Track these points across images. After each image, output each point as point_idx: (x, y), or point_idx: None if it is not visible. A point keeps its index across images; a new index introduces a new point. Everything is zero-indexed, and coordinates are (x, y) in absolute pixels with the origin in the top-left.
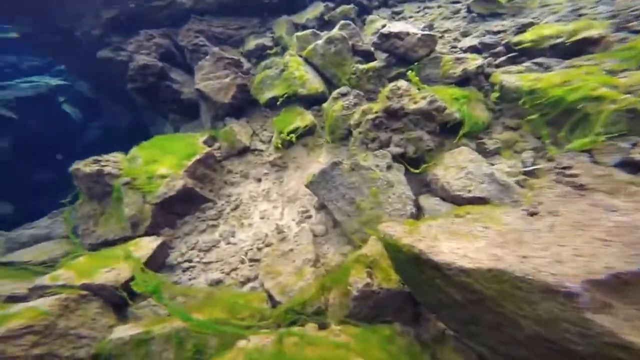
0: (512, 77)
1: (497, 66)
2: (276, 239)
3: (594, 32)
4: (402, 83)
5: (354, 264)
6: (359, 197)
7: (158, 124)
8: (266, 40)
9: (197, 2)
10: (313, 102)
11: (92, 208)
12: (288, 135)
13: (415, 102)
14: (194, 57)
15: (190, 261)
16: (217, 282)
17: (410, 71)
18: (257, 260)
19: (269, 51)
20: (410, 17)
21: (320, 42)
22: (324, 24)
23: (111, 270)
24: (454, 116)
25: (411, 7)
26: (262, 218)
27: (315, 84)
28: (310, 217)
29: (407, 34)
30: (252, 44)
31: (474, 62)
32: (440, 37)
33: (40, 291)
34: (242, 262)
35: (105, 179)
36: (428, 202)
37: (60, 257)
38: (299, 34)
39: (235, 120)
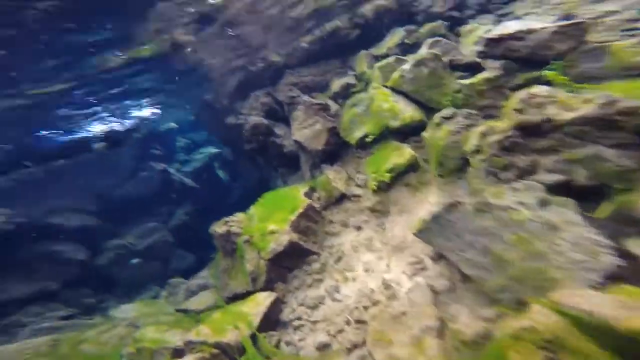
0: None
1: None
2: (384, 296)
3: None
4: (538, 89)
5: (515, 342)
6: (498, 245)
7: (273, 179)
8: (349, 79)
9: (289, 57)
10: (410, 133)
11: (226, 263)
12: (384, 175)
13: (573, 109)
14: (291, 109)
15: (299, 319)
16: (325, 346)
17: (548, 71)
18: (364, 322)
19: (353, 89)
20: (526, 14)
21: (407, 66)
22: (408, 47)
23: (234, 329)
24: None
25: (524, 5)
26: (366, 270)
27: (408, 112)
28: (424, 269)
29: (529, 31)
30: (336, 85)
31: None
32: (596, 24)
33: (190, 345)
34: (348, 323)
35: (232, 237)
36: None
37: (212, 306)
38: (379, 63)
39: (330, 166)
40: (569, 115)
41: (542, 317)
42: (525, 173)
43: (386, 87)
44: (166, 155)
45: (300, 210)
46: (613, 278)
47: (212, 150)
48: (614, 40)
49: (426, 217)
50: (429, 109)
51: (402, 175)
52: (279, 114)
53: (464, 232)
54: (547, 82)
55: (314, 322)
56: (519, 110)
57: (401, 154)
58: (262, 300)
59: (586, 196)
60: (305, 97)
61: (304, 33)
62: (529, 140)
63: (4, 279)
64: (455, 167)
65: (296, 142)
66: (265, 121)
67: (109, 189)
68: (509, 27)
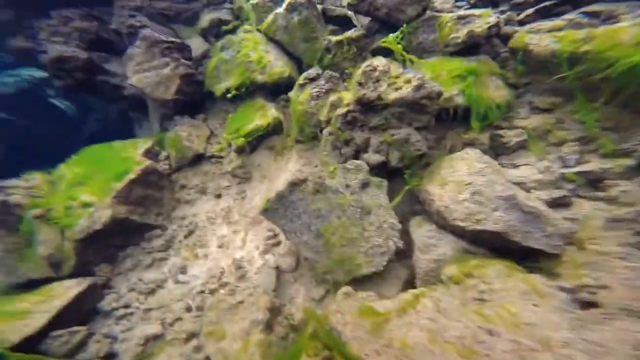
0: (544, 38)
1: (522, 23)
2: (234, 277)
3: None
4: (378, 62)
5: (309, 342)
6: (327, 228)
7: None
8: (223, 14)
9: None
10: (279, 90)
11: (12, 241)
12: (243, 137)
13: (398, 88)
14: (133, 43)
15: (127, 306)
16: (155, 338)
17: (392, 39)
18: (204, 309)
19: (225, 27)
20: None
21: (280, 10)
22: None
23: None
24: (454, 102)
25: None
26: (220, 246)
27: (278, 67)
28: (278, 244)
29: None
30: (206, 20)
31: (484, 20)
32: None
33: None
34: (189, 309)
35: (13, 210)
36: (420, 231)
37: None
38: (255, 1)
39: (188, 118)
40: (393, 96)
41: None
42: (361, 149)
43: (259, 31)
44: None
45: (133, 176)
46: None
47: (35, 73)
48: (448, 10)
49: (271, 196)
50: (303, 65)
51: (265, 138)
52: (117, 46)
53: (303, 214)
54: (389, 51)
55: (147, 310)
56: (361, 84)
57: (264, 114)
58: (63, 292)
59: (398, 177)
60: (147, 31)
61: None
62: (366, 116)
63: None
64: (313, 135)
65: (133, 86)
66: (83, 54)
67: None
68: None
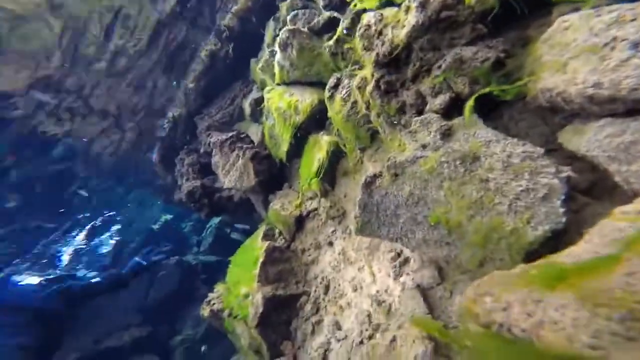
0: None
1: None
2: (381, 316)
3: None
4: (367, 18)
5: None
6: (435, 209)
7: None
8: (255, 94)
9: (186, 104)
10: (322, 119)
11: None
12: (315, 180)
13: (403, 24)
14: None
15: None
16: None
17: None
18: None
19: (263, 103)
20: None
21: (277, 57)
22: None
23: None
24: None
25: None
26: (354, 290)
27: (307, 100)
28: (406, 261)
29: None
30: (247, 107)
31: None
32: None
33: None
34: None
35: (220, 315)
36: (590, 138)
37: None
38: (258, 66)
39: (278, 192)
40: (404, 32)
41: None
42: (419, 106)
43: (279, 84)
44: (177, 246)
45: (261, 259)
46: (575, 198)
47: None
48: None
49: (356, 211)
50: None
51: (333, 168)
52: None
53: (399, 208)
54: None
55: None
56: (367, 49)
57: (320, 147)
58: None
59: (481, 107)
60: (213, 139)
61: (185, 76)
62: (398, 72)
63: None
64: (370, 133)
65: (231, 189)
66: (197, 182)
67: (141, 300)
68: None
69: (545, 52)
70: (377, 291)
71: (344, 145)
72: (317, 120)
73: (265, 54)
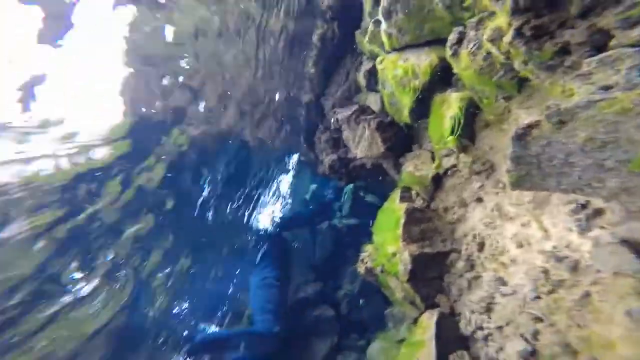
0: None
1: None
2: (565, 272)
3: None
4: None
5: None
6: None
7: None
8: (366, 65)
9: (311, 89)
10: (446, 76)
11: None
12: (451, 139)
13: None
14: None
15: (481, 328)
16: (532, 354)
17: None
18: (553, 314)
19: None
20: None
21: (382, 26)
22: None
23: None
24: None
25: None
26: (520, 246)
27: (424, 61)
28: (600, 212)
29: None
30: (361, 79)
31: None
32: None
33: None
34: (538, 319)
35: (373, 272)
36: None
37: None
38: (363, 38)
39: (408, 154)
40: None
41: None
42: (593, 44)
43: (391, 51)
44: (326, 213)
45: (402, 220)
46: None
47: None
48: None
49: (508, 164)
50: (444, 40)
51: (471, 121)
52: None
53: (567, 157)
54: None
55: (499, 328)
56: None
57: (449, 104)
58: (428, 323)
59: None
60: (339, 116)
61: (302, 63)
62: (553, 13)
63: (309, 345)
64: (515, 80)
65: (363, 159)
66: (335, 156)
67: (309, 260)
68: None
69: None
70: (555, 247)
71: (480, 100)
72: (440, 79)
73: (369, 24)
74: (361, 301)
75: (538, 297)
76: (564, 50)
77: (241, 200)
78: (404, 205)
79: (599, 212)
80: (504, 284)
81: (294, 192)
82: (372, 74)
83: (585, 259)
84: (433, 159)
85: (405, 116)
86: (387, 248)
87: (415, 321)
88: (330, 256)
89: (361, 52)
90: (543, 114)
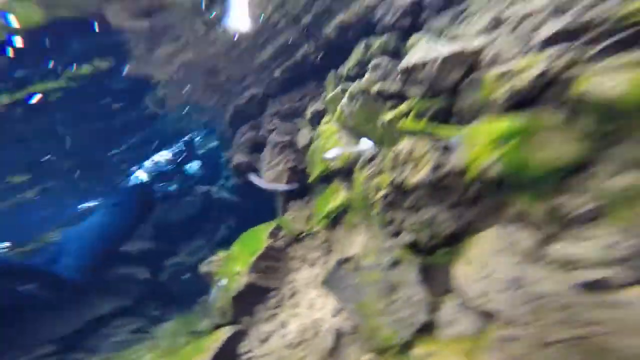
0: (610, 80)
1: (590, 62)
2: (310, 334)
3: None
4: (403, 145)
5: None
6: (364, 301)
7: None
8: (319, 105)
9: (268, 87)
10: (349, 172)
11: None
12: (323, 219)
13: (419, 171)
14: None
15: (250, 352)
16: None
17: (409, 122)
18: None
19: (322, 117)
20: (475, 13)
21: (344, 100)
22: (365, 64)
23: None
24: (492, 172)
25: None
26: (309, 307)
27: (347, 151)
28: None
29: (424, 64)
30: (309, 112)
31: (529, 72)
32: (513, 30)
33: None
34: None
35: (211, 276)
36: (447, 308)
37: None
38: (329, 96)
39: (297, 202)
40: (414, 179)
41: None
42: (402, 229)
43: (336, 123)
44: (211, 175)
45: (260, 252)
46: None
47: None
48: (503, 62)
49: (329, 269)
50: (376, 140)
51: (343, 215)
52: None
53: (349, 287)
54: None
55: (262, 356)
56: (392, 168)
57: (337, 196)
58: (219, 335)
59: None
60: (272, 136)
61: (277, 65)
62: (401, 198)
63: (94, 300)
64: (371, 215)
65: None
66: (245, 159)
67: (159, 217)
68: (418, 53)
69: (472, 244)
70: (319, 318)
71: (355, 206)
72: (347, 171)
73: (340, 81)
74: (187, 275)
75: (290, 345)
76: (392, 222)
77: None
78: (269, 241)
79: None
80: (285, 327)
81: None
82: (318, 115)
83: (320, 334)
84: (309, 218)
85: (313, 176)
86: (235, 266)
87: (216, 327)
88: (187, 221)
89: (325, 88)
90: (356, 257)
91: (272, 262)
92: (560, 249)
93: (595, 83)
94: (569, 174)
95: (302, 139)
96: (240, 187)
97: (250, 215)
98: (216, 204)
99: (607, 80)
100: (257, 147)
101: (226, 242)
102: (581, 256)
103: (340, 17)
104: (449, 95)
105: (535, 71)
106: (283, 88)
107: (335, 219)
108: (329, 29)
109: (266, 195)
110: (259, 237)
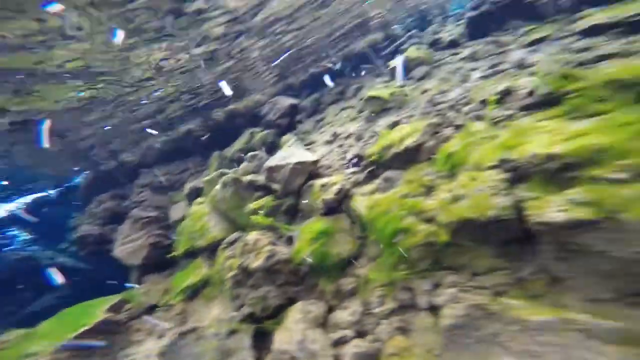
0: (363, 201)
1: (362, 184)
2: None
3: (409, 141)
4: (251, 237)
5: None
6: None
7: None
8: (198, 182)
9: (143, 156)
10: (214, 251)
11: None
12: (179, 293)
13: (258, 259)
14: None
15: None
16: None
17: (259, 213)
18: None
19: (201, 193)
20: (330, 123)
21: (218, 186)
22: (248, 151)
23: None
24: (307, 261)
25: (334, 109)
26: None
27: (215, 232)
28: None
29: (280, 167)
30: (187, 187)
31: (333, 187)
32: (340, 146)
33: None
34: None
35: None
36: None
37: None
38: (206, 178)
39: (155, 275)
40: (254, 265)
41: None
42: (243, 304)
43: (208, 204)
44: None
45: (87, 327)
46: None
47: None
48: (329, 172)
49: (167, 342)
50: (241, 227)
51: (201, 290)
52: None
53: (189, 356)
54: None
55: None
56: (242, 254)
57: (199, 272)
58: None
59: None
60: (135, 211)
61: (158, 135)
62: (247, 278)
63: None
64: (224, 289)
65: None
66: (96, 230)
67: None
68: (276, 157)
69: (289, 316)
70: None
71: (214, 282)
72: (212, 250)
73: (217, 172)
74: None
75: None
76: (241, 307)
77: None
78: (106, 315)
79: None
80: None
81: None
82: (196, 192)
83: None
84: (166, 291)
85: (178, 251)
86: (32, 346)
87: None
88: None
89: (208, 167)
90: (198, 329)
91: (108, 335)
92: (334, 316)
93: (357, 201)
94: (348, 263)
95: (175, 213)
96: (88, 254)
97: (95, 286)
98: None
99: (361, 200)
100: (115, 218)
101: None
102: (340, 320)
103: (232, 106)
104: (296, 196)
105: (338, 186)
106: (163, 158)
107: (195, 292)
108: (220, 114)
109: (117, 265)
110: (93, 312)
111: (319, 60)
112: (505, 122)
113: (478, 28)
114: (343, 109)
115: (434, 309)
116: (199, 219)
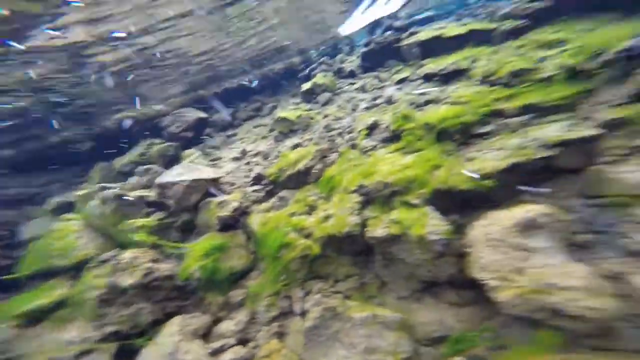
0: (257, 218)
1: (261, 202)
2: None
3: (302, 164)
4: (127, 254)
5: None
6: None
7: None
8: (70, 198)
9: None
10: (80, 270)
11: None
12: (19, 316)
13: (133, 275)
14: None
15: None
16: None
17: (143, 235)
18: None
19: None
20: (241, 139)
21: (94, 202)
22: (143, 163)
23: None
24: (195, 276)
25: (248, 126)
26: None
27: (86, 250)
28: None
29: (173, 183)
30: (53, 202)
31: (230, 205)
32: (247, 164)
33: None
34: None
35: None
36: None
37: None
38: (81, 192)
39: None
40: (128, 282)
41: None
42: (106, 323)
43: (84, 220)
44: None
45: None
46: None
47: None
48: (233, 189)
49: None
50: (120, 244)
51: (49, 313)
52: None
53: None
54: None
55: None
56: (113, 272)
57: (52, 293)
58: None
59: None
60: None
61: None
62: (116, 297)
63: None
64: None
65: None
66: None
67: None
68: (168, 175)
69: (163, 332)
70: None
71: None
72: (77, 269)
73: (92, 187)
74: None
75: None
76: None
77: None
78: None
79: None
80: None
81: None
82: (64, 207)
83: None
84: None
85: (24, 272)
86: None
87: None
88: None
89: (89, 179)
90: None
91: None
92: (220, 327)
93: (253, 218)
94: (240, 277)
95: (30, 229)
96: None
97: None
98: None
99: (257, 217)
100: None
101: None
102: (225, 330)
103: (125, 113)
104: (192, 212)
105: (236, 204)
106: (16, 169)
107: (42, 315)
108: (109, 121)
109: None
110: None
111: (236, 77)
112: (370, 151)
113: (369, 62)
114: (256, 127)
115: (304, 314)
116: (63, 236)
